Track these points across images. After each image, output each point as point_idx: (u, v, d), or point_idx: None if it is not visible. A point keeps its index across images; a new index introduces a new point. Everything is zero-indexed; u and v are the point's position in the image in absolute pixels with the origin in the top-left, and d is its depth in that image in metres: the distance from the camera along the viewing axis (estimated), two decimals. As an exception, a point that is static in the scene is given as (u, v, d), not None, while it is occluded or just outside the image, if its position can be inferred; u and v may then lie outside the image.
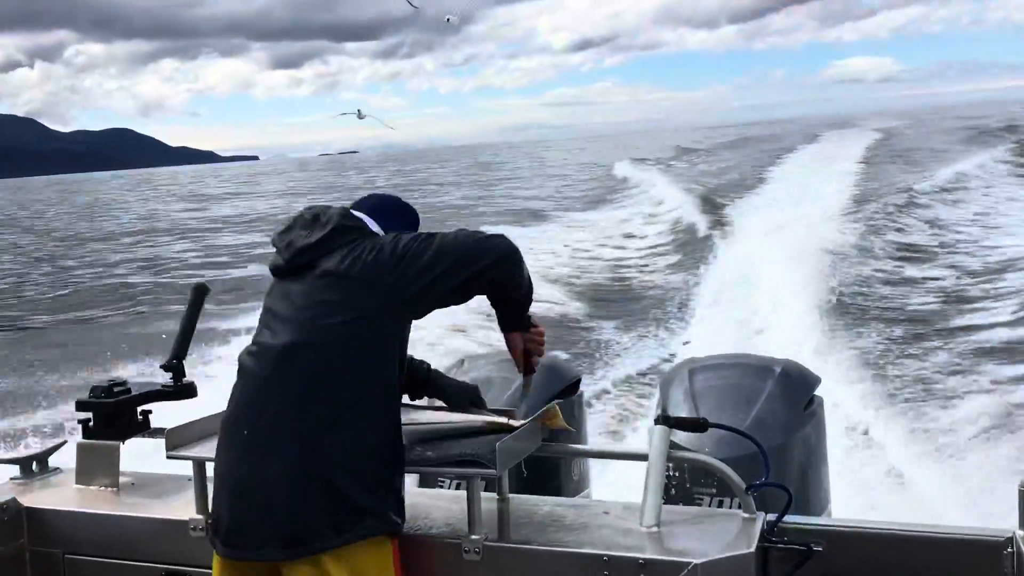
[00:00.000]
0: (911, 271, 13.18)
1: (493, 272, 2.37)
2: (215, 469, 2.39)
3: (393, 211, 2.62)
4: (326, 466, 2.21)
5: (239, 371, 2.40)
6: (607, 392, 8.10)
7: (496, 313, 2.52)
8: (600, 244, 18.11)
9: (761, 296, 11.14)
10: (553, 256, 16.29)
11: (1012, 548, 2.16)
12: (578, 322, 11.48)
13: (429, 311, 2.40)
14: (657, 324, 10.96)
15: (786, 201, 21.89)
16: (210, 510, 2.42)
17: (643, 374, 8.66)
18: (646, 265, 15.79)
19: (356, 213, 2.52)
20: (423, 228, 2.57)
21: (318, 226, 2.42)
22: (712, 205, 22.20)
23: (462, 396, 2.71)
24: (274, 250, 2.49)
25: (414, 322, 2.41)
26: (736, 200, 23.46)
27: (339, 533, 2.20)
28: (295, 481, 2.21)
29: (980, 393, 7.30)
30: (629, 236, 19.26)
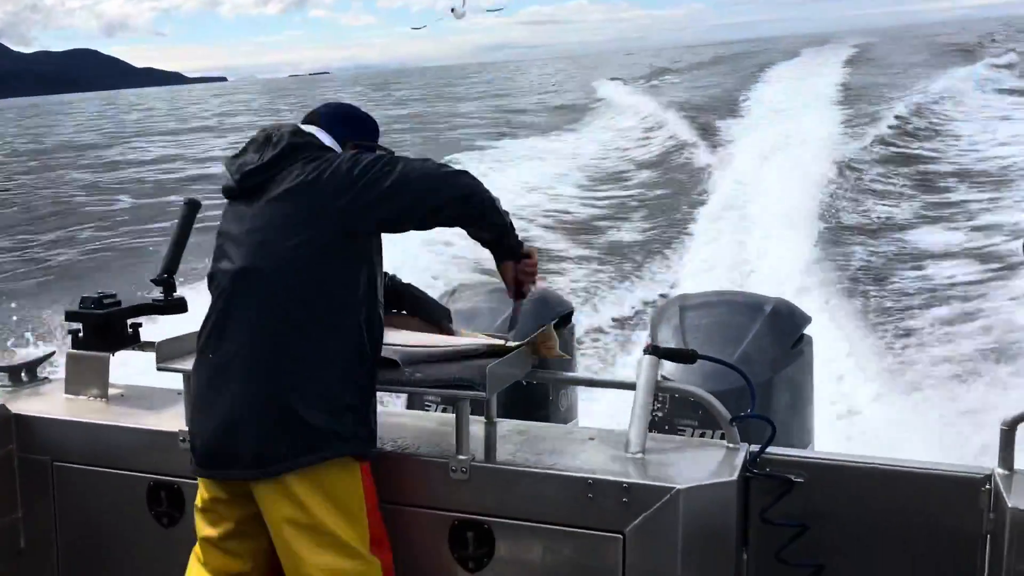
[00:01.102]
0: (907, 198, 13.12)
1: (452, 210, 2.34)
2: (189, 389, 2.42)
3: (349, 121, 2.55)
4: (285, 390, 2.22)
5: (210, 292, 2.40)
6: (599, 330, 8.04)
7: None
8: (581, 172, 17.58)
9: (755, 228, 11.05)
10: (525, 187, 15.79)
11: (990, 485, 2.20)
12: (565, 257, 11.34)
13: (382, 234, 2.37)
14: (649, 260, 10.77)
15: (773, 123, 21.64)
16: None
17: (631, 316, 8.54)
18: (633, 196, 15.54)
19: (308, 128, 2.46)
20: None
21: (269, 147, 2.37)
22: (703, 128, 21.83)
23: (438, 312, 2.74)
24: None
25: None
26: (726, 121, 23.01)
27: (302, 455, 2.22)
28: (257, 405, 2.23)
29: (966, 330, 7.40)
30: (619, 172, 18.69)
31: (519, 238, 2.51)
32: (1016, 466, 2.20)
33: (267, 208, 2.31)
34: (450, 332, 2.71)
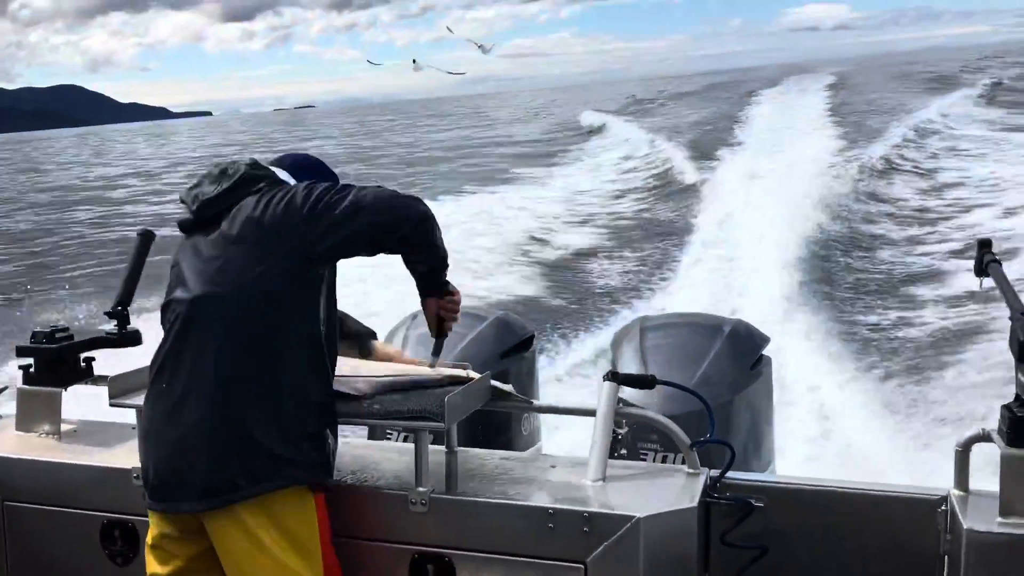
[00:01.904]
0: (886, 224, 13.21)
1: (404, 231, 2.32)
2: (140, 422, 2.38)
3: (310, 168, 2.55)
4: (242, 416, 2.20)
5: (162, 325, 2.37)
6: (561, 350, 8.03)
7: (412, 276, 2.48)
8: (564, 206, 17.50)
9: (742, 255, 11.09)
10: (526, 213, 15.76)
11: (946, 507, 2.22)
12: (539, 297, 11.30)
13: (336, 261, 2.36)
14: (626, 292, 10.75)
15: (759, 152, 21.81)
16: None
17: (593, 341, 8.45)
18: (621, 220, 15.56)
19: (267, 166, 2.48)
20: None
21: (225, 178, 2.37)
22: (691, 157, 21.85)
23: (363, 333, 2.72)
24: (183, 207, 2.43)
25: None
26: (716, 150, 23.21)
27: (254, 483, 2.19)
28: (210, 434, 2.20)
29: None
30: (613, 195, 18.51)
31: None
32: (971, 487, 2.20)
33: (224, 237, 2.30)
34: (378, 355, 2.69)
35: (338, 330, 2.42)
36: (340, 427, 2.37)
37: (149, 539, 2.35)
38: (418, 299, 2.52)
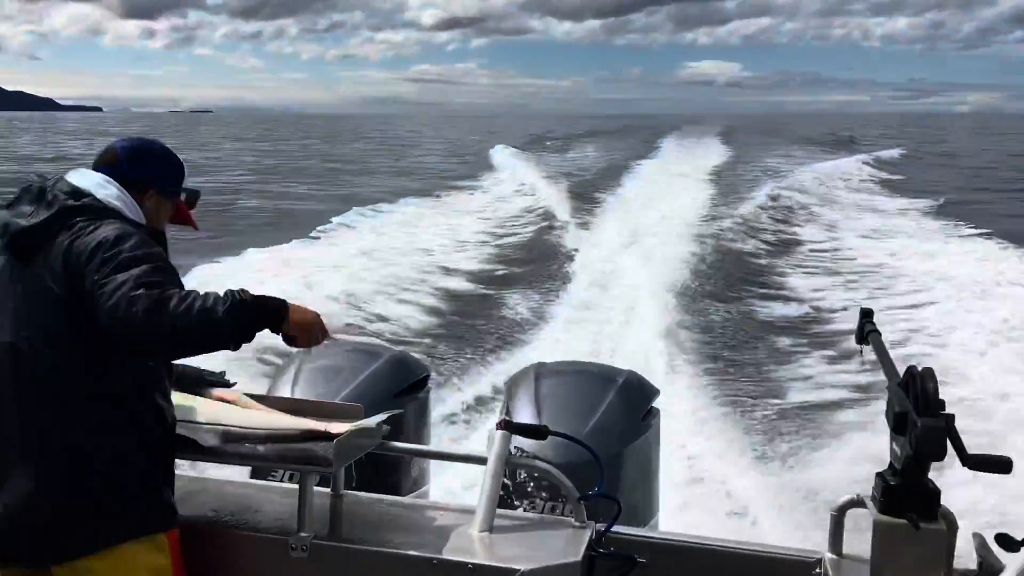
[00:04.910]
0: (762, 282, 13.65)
1: (161, 350, 2.12)
2: None
3: (152, 161, 2.37)
4: (68, 475, 2.11)
5: None
6: (455, 394, 7.91)
7: None
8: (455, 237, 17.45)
9: (617, 302, 11.29)
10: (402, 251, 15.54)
11: (820, 569, 2.29)
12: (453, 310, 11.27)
13: None
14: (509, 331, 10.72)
15: (644, 197, 22.45)
16: None
17: (488, 383, 8.38)
18: (506, 258, 15.62)
19: (90, 181, 2.25)
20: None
21: (43, 205, 2.18)
22: (580, 198, 22.35)
23: (198, 381, 2.61)
24: None
25: None
26: (602, 195, 23.72)
27: (97, 537, 2.12)
28: (43, 491, 2.11)
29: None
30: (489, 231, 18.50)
31: (277, 301, 2.19)
32: (844, 550, 2.28)
33: (32, 276, 2.14)
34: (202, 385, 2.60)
35: (164, 378, 2.28)
36: (224, 465, 2.30)
37: None
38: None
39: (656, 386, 3.52)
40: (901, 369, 2.12)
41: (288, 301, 2.21)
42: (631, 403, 3.28)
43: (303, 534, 2.27)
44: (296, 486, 2.33)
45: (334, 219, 18.12)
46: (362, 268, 12.61)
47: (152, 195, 2.36)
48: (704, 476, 6.04)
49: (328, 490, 2.55)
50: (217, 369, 2.72)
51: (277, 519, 2.39)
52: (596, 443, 2.73)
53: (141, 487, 2.19)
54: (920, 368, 2.06)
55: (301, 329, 2.21)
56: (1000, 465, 2.04)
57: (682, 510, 4.98)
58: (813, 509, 5.28)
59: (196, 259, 11.95)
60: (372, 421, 2.48)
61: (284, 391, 3.24)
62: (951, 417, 1.96)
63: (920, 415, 1.95)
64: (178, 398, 2.39)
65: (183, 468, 2.81)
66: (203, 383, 2.63)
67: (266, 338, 2.22)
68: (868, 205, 22.93)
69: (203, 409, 2.41)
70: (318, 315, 2.27)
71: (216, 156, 48.67)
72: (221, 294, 2.07)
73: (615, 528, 2.40)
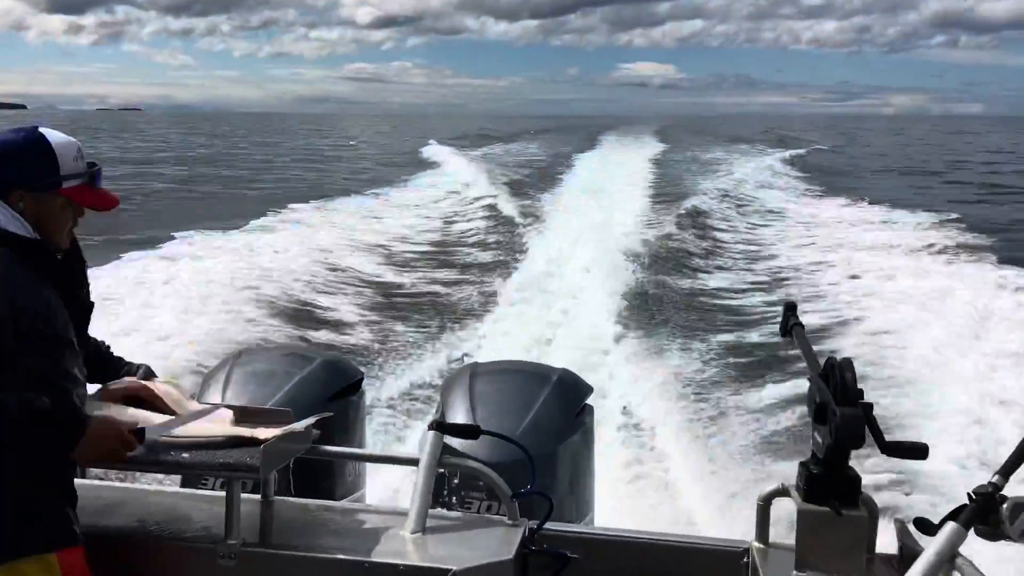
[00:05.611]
0: (702, 276, 13.84)
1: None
2: None
3: (15, 159, 2.11)
4: None
5: None
6: (392, 396, 7.85)
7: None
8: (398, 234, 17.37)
9: (560, 300, 11.30)
10: (348, 242, 15.57)
11: (748, 559, 2.34)
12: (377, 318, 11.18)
13: None
14: (451, 327, 10.64)
15: (584, 197, 22.60)
16: None
17: (426, 383, 8.36)
18: (454, 254, 15.57)
19: None
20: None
21: None
22: (520, 196, 22.36)
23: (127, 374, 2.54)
24: None
25: None
26: (542, 192, 23.81)
27: None
28: None
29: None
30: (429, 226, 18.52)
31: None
32: (772, 539, 2.33)
33: None
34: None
35: (69, 397, 2.15)
36: (150, 473, 2.23)
37: None
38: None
39: (590, 383, 3.54)
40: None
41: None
42: (565, 401, 3.30)
43: (231, 541, 2.23)
44: (224, 494, 2.29)
45: (253, 221, 17.80)
46: (295, 269, 12.42)
47: (21, 195, 2.10)
48: (640, 472, 6.10)
49: (259, 497, 2.50)
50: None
51: (205, 527, 2.34)
52: (530, 441, 2.74)
53: (25, 505, 2.07)
54: (839, 359, 2.11)
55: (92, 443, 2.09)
56: (916, 451, 2.11)
57: (618, 506, 5.02)
58: (747, 499, 5.37)
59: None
60: (300, 425, 2.45)
61: (215, 397, 3.18)
62: (869, 406, 2.02)
63: (840, 405, 2.00)
64: (94, 407, 2.31)
65: (108, 478, 2.73)
66: (120, 371, 2.54)
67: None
68: (794, 202, 23.56)
69: (125, 416, 2.34)
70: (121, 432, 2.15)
71: (136, 155, 47.58)
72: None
73: (549, 525, 2.41)
